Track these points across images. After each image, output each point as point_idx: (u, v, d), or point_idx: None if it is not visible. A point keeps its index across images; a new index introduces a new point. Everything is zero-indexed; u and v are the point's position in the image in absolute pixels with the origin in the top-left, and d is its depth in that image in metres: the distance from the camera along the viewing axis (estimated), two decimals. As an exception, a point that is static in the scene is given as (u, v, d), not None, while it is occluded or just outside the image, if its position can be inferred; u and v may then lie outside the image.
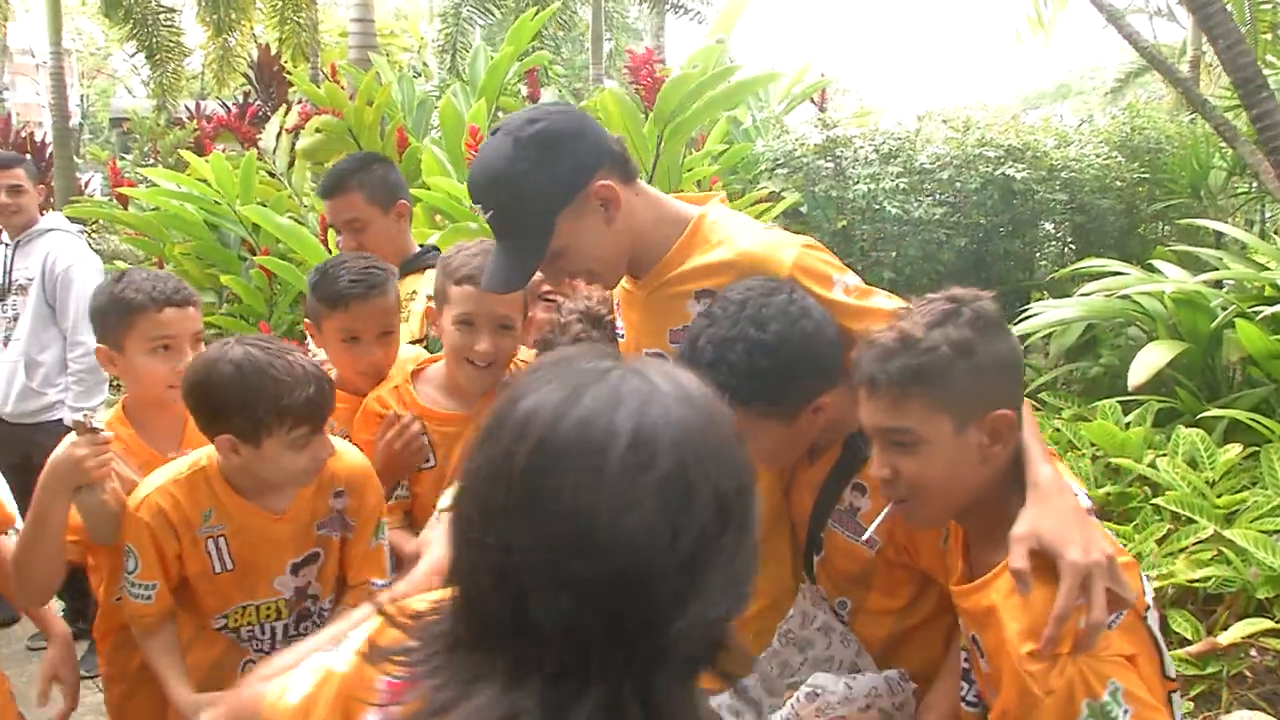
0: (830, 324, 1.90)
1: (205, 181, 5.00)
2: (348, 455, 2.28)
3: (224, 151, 5.93)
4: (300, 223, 4.83)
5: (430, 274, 3.01)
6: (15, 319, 4.72)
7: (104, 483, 2.13)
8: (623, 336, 2.27)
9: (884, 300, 1.98)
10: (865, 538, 1.86)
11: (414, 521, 2.59)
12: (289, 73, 9.40)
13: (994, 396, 1.62)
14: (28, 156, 6.67)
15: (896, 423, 1.64)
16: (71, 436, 2.07)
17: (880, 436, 1.68)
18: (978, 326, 1.61)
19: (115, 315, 2.32)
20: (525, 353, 2.58)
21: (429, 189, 4.54)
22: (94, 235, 9.05)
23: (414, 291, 3.10)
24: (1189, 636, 3.33)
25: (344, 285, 2.52)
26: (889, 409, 1.64)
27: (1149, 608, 1.57)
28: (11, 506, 2.42)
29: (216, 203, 4.98)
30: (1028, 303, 6.04)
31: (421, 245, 3.41)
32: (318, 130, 5.75)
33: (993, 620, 1.58)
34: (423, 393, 2.53)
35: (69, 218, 5.29)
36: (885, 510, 1.78)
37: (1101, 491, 4.05)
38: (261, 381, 2.00)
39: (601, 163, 1.98)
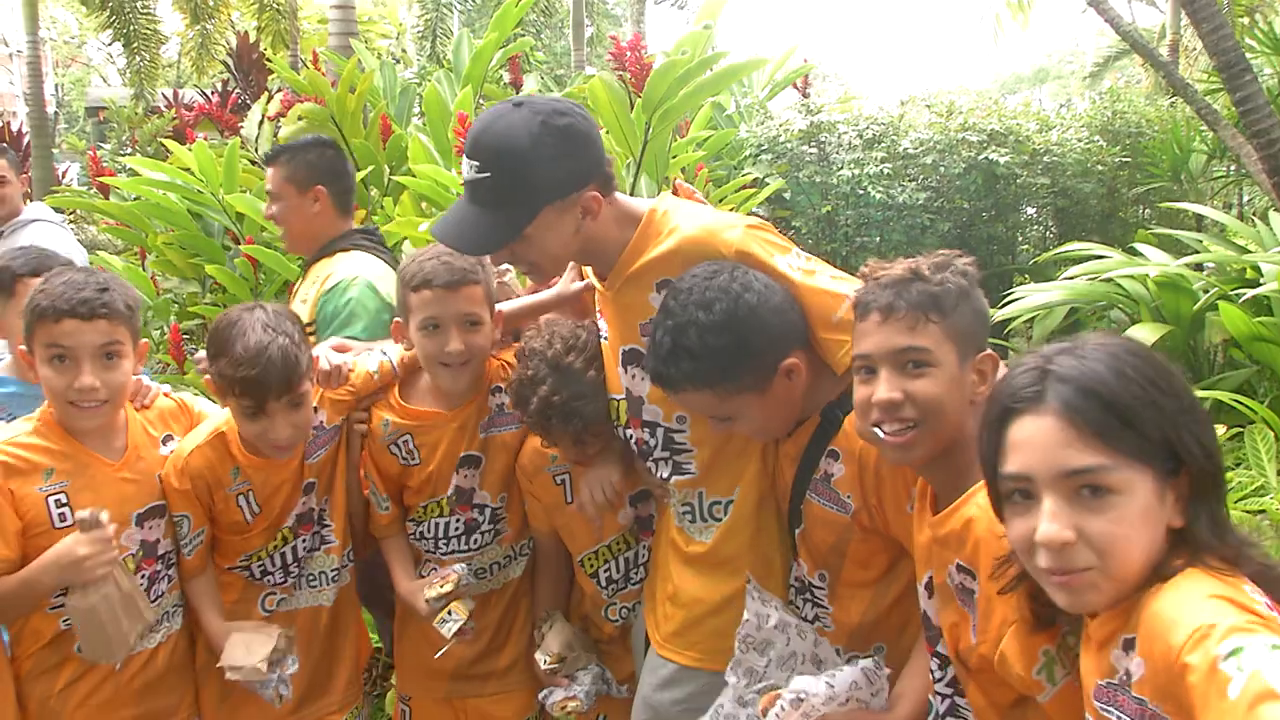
0: (775, 291, 1.97)
1: (188, 170, 4.96)
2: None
3: (205, 140, 5.89)
4: (284, 211, 4.79)
5: (341, 257, 3.22)
6: None
7: (102, 585, 2.10)
8: (605, 338, 2.33)
9: (829, 280, 2.03)
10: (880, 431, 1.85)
11: (407, 510, 2.61)
12: (269, 60, 9.34)
13: (982, 340, 1.77)
14: (6, 146, 6.61)
15: (913, 342, 1.71)
16: (78, 532, 2.09)
17: (893, 360, 1.73)
18: (970, 277, 1.77)
19: (26, 317, 2.19)
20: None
21: (414, 176, 4.52)
22: (72, 225, 8.97)
23: (322, 276, 3.18)
24: (1175, 615, 3.37)
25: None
26: (908, 330, 1.71)
27: None
28: None
29: (200, 191, 4.93)
30: (1010, 287, 6.08)
31: (361, 229, 3.50)
32: (300, 118, 5.70)
33: (971, 529, 1.67)
34: (408, 396, 2.56)
35: (52, 208, 5.25)
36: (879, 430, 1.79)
37: (1087, 473, 4.08)
38: (228, 344, 2.23)
39: (596, 175, 2.06)
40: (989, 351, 1.75)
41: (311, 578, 2.56)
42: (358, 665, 2.75)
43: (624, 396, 2.27)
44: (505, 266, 3.03)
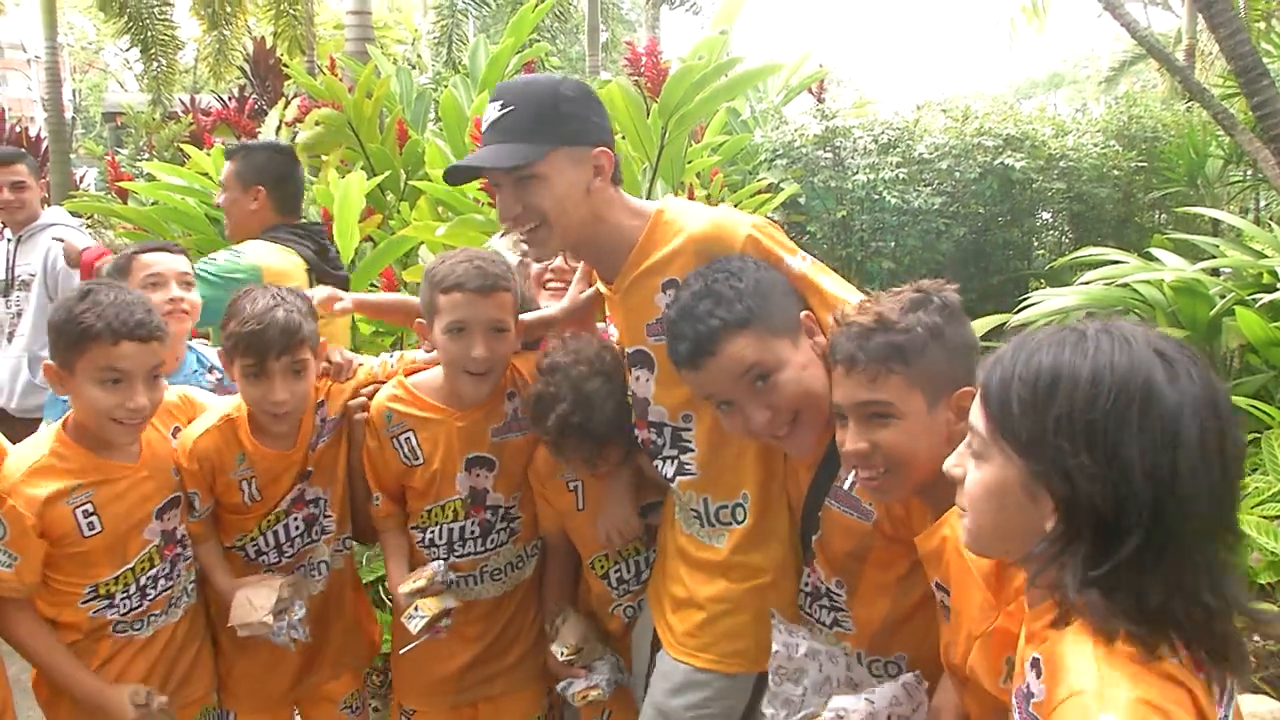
0: (770, 268, 2.05)
1: (206, 175, 5.00)
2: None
3: (222, 145, 5.92)
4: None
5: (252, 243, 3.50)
6: (19, 314, 4.72)
7: None
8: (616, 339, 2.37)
9: (831, 284, 2.07)
10: (847, 484, 1.96)
11: (409, 514, 2.60)
12: (286, 66, 9.39)
13: (960, 377, 1.74)
14: (25, 151, 6.66)
15: (875, 396, 1.75)
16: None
17: (857, 411, 1.79)
18: (945, 313, 1.76)
19: (70, 336, 2.19)
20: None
21: (431, 181, 4.54)
22: (90, 230, 9.02)
23: None
24: (1192, 621, 3.36)
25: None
26: (868, 384, 1.76)
27: None
28: None
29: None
30: (1026, 291, 6.07)
31: (289, 225, 3.76)
32: (317, 124, 5.74)
33: (945, 547, 1.70)
34: (419, 388, 2.55)
35: (70, 213, 5.29)
36: (851, 478, 1.90)
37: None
38: (238, 309, 2.36)
39: (608, 142, 2.16)
40: (968, 389, 1.69)
41: (311, 567, 2.59)
42: (358, 648, 2.79)
43: (630, 398, 2.30)
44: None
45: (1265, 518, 3.52)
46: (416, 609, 2.40)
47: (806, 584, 2.19)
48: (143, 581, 2.35)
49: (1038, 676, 1.28)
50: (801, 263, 2.08)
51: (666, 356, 2.09)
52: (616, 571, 2.57)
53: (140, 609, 2.36)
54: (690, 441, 2.21)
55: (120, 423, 2.23)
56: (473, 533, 2.55)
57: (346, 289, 3.51)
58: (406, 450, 2.51)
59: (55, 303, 2.31)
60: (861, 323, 1.77)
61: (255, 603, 2.39)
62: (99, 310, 2.18)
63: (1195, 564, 1.23)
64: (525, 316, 2.57)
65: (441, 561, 2.50)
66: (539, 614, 2.70)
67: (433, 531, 2.55)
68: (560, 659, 2.51)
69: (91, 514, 2.26)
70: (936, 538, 1.75)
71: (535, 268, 2.86)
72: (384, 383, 2.58)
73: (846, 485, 2.00)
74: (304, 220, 3.91)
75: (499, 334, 2.37)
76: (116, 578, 2.31)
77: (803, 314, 2.01)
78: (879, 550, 2.04)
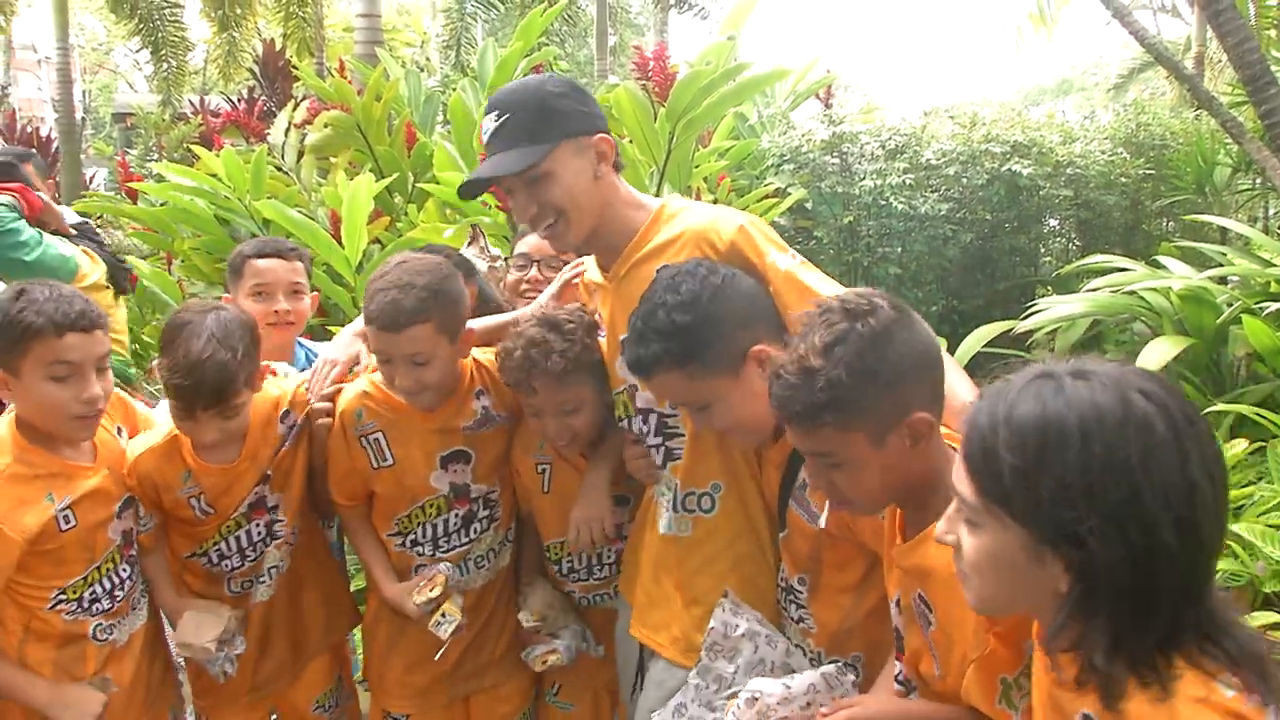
0: (745, 279, 2.06)
1: (216, 176, 5.01)
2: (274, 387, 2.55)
3: (231, 146, 5.94)
4: (310, 217, 4.84)
5: None
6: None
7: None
8: (602, 335, 2.40)
9: (816, 280, 2.07)
10: (822, 523, 1.99)
11: (375, 514, 2.61)
12: (294, 68, 9.41)
13: (905, 403, 1.65)
14: (34, 151, 6.68)
15: (814, 448, 1.72)
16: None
17: (809, 458, 1.78)
18: (873, 341, 1.63)
19: (10, 337, 2.13)
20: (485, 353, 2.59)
21: (439, 183, 4.56)
22: (99, 230, 9.03)
23: None
24: (1197, 630, 3.35)
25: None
26: (804, 437, 1.72)
27: None
28: None
29: (227, 198, 4.99)
30: (1033, 298, 6.07)
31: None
32: (326, 126, 5.76)
33: (934, 566, 1.65)
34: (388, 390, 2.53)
35: (79, 213, 5.30)
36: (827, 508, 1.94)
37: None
38: (171, 347, 2.28)
39: (605, 129, 2.24)
40: (919, 415, 1.64)
41: (273, 569, 2.58)
42: (338, 621, 2.79)
43: (625, 388, 2.34)
44: (493, 255, 3.11)
45: (1270, 526, 3.52)
46: (445, 615, 2.42)
47: (780, 579, 2.23)
48: (108, 582, 2.33)
49: None
50: (789, 260, 2.10)
51: None
52: (568, 561, 2.61)
53: (111, 609, 2.34)
54: (677, 426, 2.26)
55: (79, 417, 2.19)
56: (456, 525, 2.55)
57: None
58: (375, 452, 2.49)
59: None
60: (786, 376, 1.68)
61: (202, 628, 2.41)
62: (37, 306, 2.12)
63: (1211, 593, 1.20)
64: (486, 320, 2.61)
65: (449, 564, 2.50)
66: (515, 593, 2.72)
67: (415, 533, 2.55)
68: (525, 625, 2.54)
69: (70, 517, 2.24)
70: (921, 554, 1.70)
71: (512, 276, 2.91)
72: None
73: (808, 492, 2.05)
74: None
75: (419, 366, 2.34)
76: (85, 577, 2.29)
77: (755, 348, 2.00)
78: (830, 551, 2.07)
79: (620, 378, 2.34)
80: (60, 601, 2.26)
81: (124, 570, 2.38)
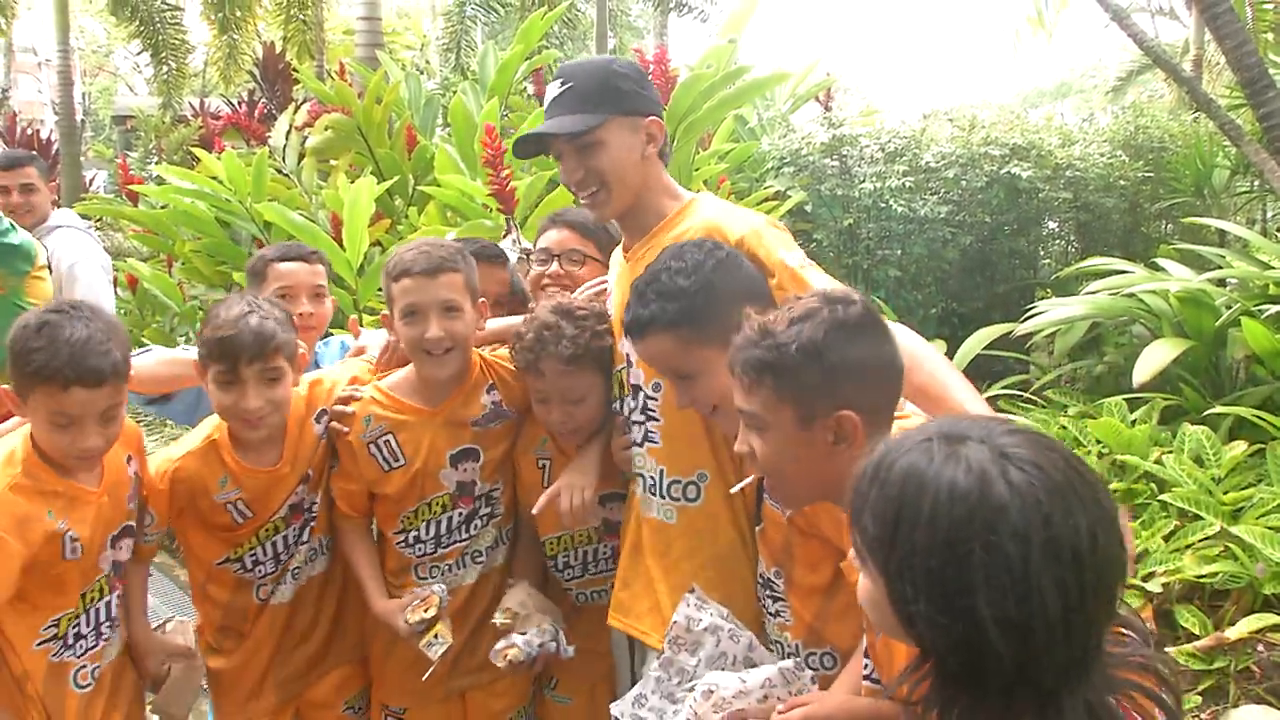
0: (749, 264, 2.14)
1: (217, 179, 5.03)
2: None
3: (232, 149, 5.95)
4: (311, 220, 4.85)
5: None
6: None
7: None
8: (613, 313, 2.47)
9: (821, 279, 2.12)
10: (735, 489, 2.08)
11: (380, 515, 2.63)
12: (295, 71, 9.43)
13: (841, 397, 1.68)
14: (35, 154, 6.70)
15: (747, 406, 1.77)
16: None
17: (740, 415, 1.81)
18: (834, 327, 1.69)
19: (22, 370, 2.12)
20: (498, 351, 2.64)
21: (440, 186, 4.57)
22: (99, 232, 9.04)
23: None
24: (1196, 632, 3.35)
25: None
26: (743, 393, 1.77)
27: None
28: None
29: (228, 200, 5.00)
30: (1033, 301, 6.07)
31: None
32: (327, 128, 5.78)
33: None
34: (394, 393, 2.58)
35: (80, 215, 5.32)
36: (749, 479, 2.01)
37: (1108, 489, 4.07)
38: (213, 315, 2.37)
39: (659, 114, 2.38)
40: (845, 413, 1.67)
41: (297, 570, 2.58)
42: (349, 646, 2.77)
43: (623, 366, 2.41)
44: (524, 249, 3.13)
45: (1270, 528, 3.52)
46: (437, 637, 2.42)
47: (759, 574, 2.26)
48: (94, 614, 2.29)
49: None
50: (798, 259, 2.16)
51: None
52: (564, 557, 2.64)
53: (96, 648, 2.31)
54: (655, 411, 2.31)
55: (77, 458, 2.19)
56: (459, 522, 2.58)
57: None
58: (386, 454, 2.52)
59: (16, 321, 2.18)
60: (748, 332, 1.76)
61: (182, 695, 2.55)
62: (54, 349, 2.09)
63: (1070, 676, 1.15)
64: (500, 322, 2.66)
65: (442, 585, 2.51)
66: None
67: (417, 530, 2.57)
68: (497, 623, 2.53)
69: (75, 539, 2.20)
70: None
71: (534, 271, 2.92)
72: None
73: (738, 486, 2.10)
74: None
75: (451, 313, 2.42)
76: (73, 610, 2.25)
77: None
78: (800, 547, 2.09)
79: (621, 354, 2.41)
80: (50, 639, 2.22)
81: (110, 602, 2.34)
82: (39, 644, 2.21)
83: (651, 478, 2.34)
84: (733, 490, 2.11)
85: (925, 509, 1.15)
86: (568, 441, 2.56)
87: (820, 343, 1.68)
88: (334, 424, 2.55)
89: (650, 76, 4.81)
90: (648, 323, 2.08)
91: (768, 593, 2.22)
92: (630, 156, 2.30)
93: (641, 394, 2.34)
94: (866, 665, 1.86)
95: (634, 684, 2.43)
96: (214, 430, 2.46)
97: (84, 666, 2.29)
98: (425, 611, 2.42)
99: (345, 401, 2.55)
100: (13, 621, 2.18)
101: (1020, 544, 1.10)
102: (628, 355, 2.37)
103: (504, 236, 3.52)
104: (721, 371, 1.99)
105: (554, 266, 2.92)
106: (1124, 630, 1.30)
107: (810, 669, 2.08)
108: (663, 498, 2.32)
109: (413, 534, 2.58)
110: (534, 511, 2.52)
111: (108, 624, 2.34)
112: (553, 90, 2.31)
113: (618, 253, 2.52)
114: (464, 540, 2.60)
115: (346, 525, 2.64)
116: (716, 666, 2.05)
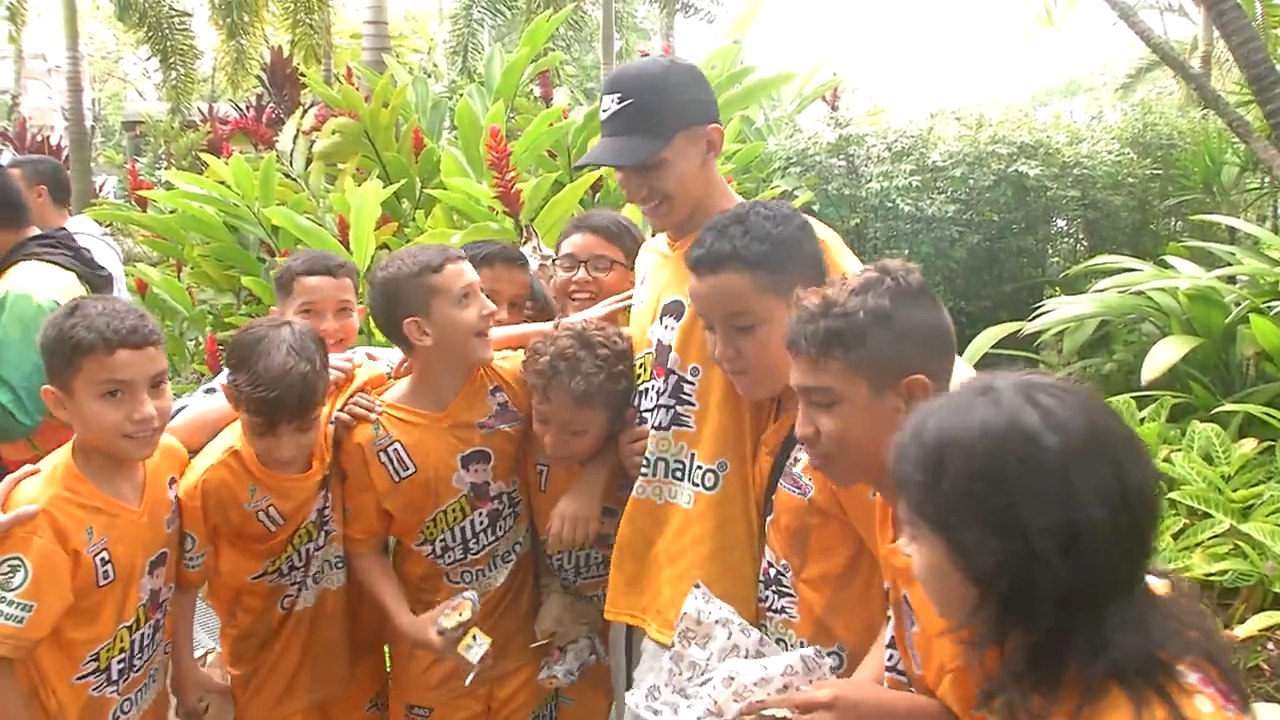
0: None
1: (225, 183, 5.05)
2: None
3: (239, 154, 5.98)
4: (318, 224, 4.87)
5: (12, 272, 3.23)
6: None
7: None
8: (640, 304, 2.49)
9: None
10: (799, 467, 2.06)
11: (399, 529, 2.62)
12: (302, 75, 9.46)
13: (910, 363, 1.70)
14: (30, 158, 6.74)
15: (817, 382, 1.74)
16: None
17: (804, 396, 1.78)
18: (898, 295, 1.71)
19: (62, 354, 2.08)
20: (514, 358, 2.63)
21: (446, 189, 4.58)
22: (110, 237, 9.08)
23: None
24: (1206, 629, 3.35)
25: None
26: (810, 369, 1.74)
27: None
28: None
29: (236, 204, 5.02)
30: (1041, 299, 6.06)
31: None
32: (334, 132, 5.80)
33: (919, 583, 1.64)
34: (398, 403, 2.57)
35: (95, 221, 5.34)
36: (803, 459, 1.98)
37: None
38: (251, 360, 2.26)
39: (717, 120, 2.33)
40: (917, 376, 1.69)
41: (318, 575, 2.57)
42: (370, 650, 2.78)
43: (652, 349, 2.38)
44: (545, 255, 3.14)
45: (1280, 526, 3.51)
46: (475, 638, 2.41)
47: (762, 571, 2.24)
48: (133, 645, 2.23)
49: None
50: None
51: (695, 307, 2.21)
52: (559, 559, 2.65)
53: (132, 680, 2.25)
54: (691, 395, 2.31)
55: (131, 437, 2.11)
56: (483, 525, 2.58)
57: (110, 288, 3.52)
58: (395, 463, 2.51)
59: (43, 325, 2.16)
60: (809, 306, 1.75)
61: None
62: (88, 322, 2.07)
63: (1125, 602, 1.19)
64: (502, 331, 2.65)
65: (474, 592, 2.50)
66: (534, 583, 2.76)
67: (443, 538, 2.57)
68: (533, 646, 2.57)
69: (107, 561, 2.14)
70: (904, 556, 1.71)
71: (559, 277, 2.90)
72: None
73: (798, 468, 2.07)
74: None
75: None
76: (115, 638, 2.18)
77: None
78: (818, 530, 2.08)
79: (649, 340, 2.40)
80: (91, 673, 2.16)
81: (147, 631, 2.27)
82: (79, 678, 2.15)
83: (679, 461, 2.33)
84: (798, 468, 2.08)
85: (962, 446, 1.23)
86: (558, 464, 2.57)
87: (889, 309, 1.69)
88: (343, 419, 2.52)
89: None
90: (727, 257, 2.04)
91: (773, 589, 2.20)
92: (692, 168, 2.27)
93: (674, 377, 2.32)
94: (890, 656, 1.85)
95: (629, 672, 2.44)
96: (236, 440, 2.41)
97: (127, 699, 2.25)
98: (461, 615, 2.41)
99: (366, 410, 2.53)
100: (48, 654, 2.10)
101: (1054, 454, 1.18)
102: (658, 341, 2.36)
103: (524, 242, 3.51)
104: (777, 328, 1.97)
105: (580, 272, 2.88)
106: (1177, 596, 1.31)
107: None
108: (693, 483, 2.31)
109: (439, 543, 2.58)
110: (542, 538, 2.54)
111: (146, 655, 2.29)
112: (608, 104, 2.26)
113: (657, 244, 2.50)
114: (492, 542, 2.61)
115: (358, 550, 2.61)
116: (728, 659, 2.02)
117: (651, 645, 2.31)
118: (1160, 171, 7.62)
